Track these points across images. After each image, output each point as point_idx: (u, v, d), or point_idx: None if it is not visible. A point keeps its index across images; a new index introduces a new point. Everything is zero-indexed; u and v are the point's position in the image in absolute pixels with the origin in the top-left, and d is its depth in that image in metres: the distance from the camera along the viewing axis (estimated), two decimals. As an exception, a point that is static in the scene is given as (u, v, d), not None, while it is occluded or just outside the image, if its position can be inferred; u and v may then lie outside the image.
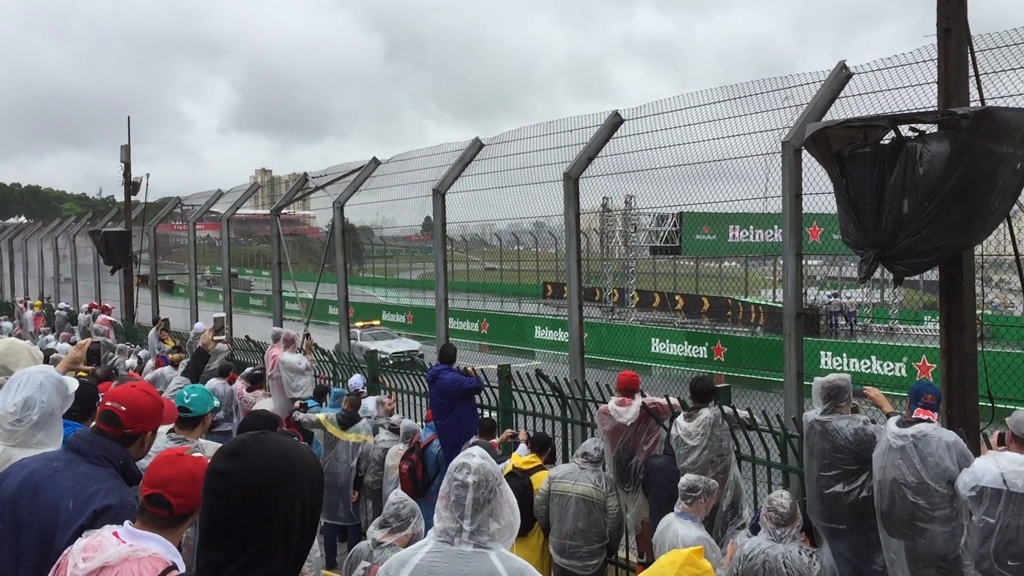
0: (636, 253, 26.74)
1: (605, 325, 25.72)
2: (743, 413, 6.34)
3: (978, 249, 5.71)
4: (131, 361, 12.90)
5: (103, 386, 5.73)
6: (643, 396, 6.69)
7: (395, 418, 8.43)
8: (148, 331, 15.28)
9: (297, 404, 8.80)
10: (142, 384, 3.43)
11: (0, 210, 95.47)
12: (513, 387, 8.65)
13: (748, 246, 18.41)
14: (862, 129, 5.33)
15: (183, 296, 24.90)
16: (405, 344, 24.93)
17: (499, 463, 5.54)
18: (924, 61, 6.23)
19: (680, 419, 6.17)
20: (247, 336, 13.83)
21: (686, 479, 5.24)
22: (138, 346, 15.31)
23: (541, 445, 6.82)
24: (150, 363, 12.14)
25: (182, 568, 2.24)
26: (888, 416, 5.10)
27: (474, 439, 7.18)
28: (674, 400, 6.61)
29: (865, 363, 19.31)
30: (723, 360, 21.29)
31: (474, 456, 2.72)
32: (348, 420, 7.94)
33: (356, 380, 9.04)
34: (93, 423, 3.09)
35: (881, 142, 5.19)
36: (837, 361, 19.59)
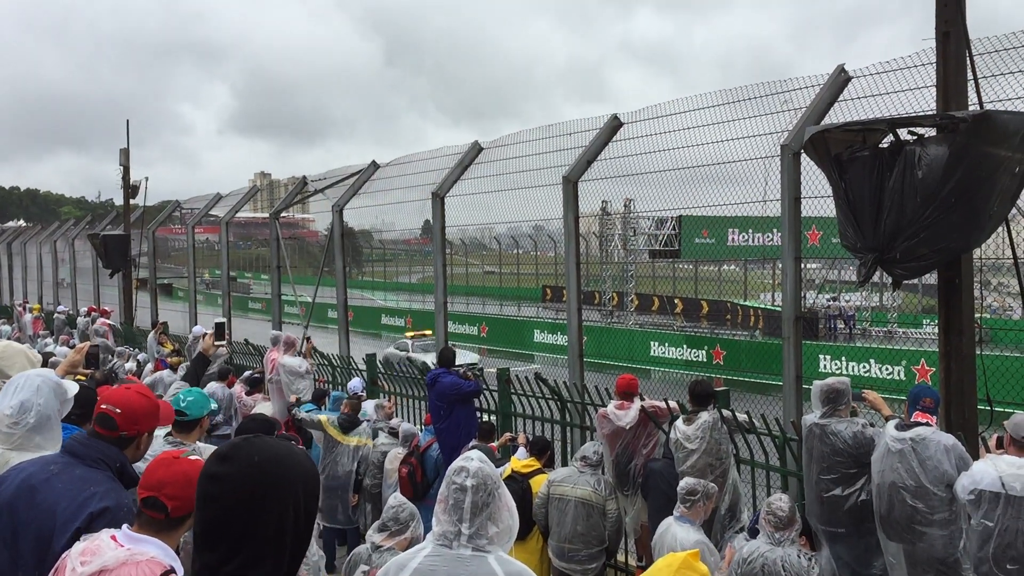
0: (635, 256, 26.76)
1: (604, 328, 25.71)
2: (742, 417, 6.34)
3: (977, 252, 5.72)
4: (130, 365, 12.90)
5: (102, 390, 5.72)
6: (642, 399, 6.69)
7: (394, 422, 8.42)
8: (147, 335, 15.28)
9: (293, 399, 8.78)
10: (137, 386, 3.42)
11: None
12: (512, 391, 8.64)
13: (747, 250, 18.44)
14: (861, 133, 5.33)
15: (182, 300, 24.87)
16: (462, 356, 22.33)
17: (498, 467, 5.54)
18: (923, 65, 6.24)
19: (679, 423, 6.17)
20: (246, 340, 13.83)
21: (685, 483, 5.24)
22: (137, 350, 15.30)
23: (540, 448, 6.81)
24: (149, 367, 12.14)
25: (180, 572, 2.24)
26: (887, 419, 5.11)
27: (473, 442, 7.17)
28: (673, 404, 6.61)
29: (864, 366, 19.31)
30: (722, 364, 21.29)
31: (472, 460, 2.72)
32: (349, 423, 7.94)
33: (355, 383, 9.03)
34: (90, 426, 3.09)
35: (880, 146, 5.19)
36: (836, 364, 19.59)
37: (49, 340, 16.93)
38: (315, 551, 4.65)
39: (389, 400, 9.65)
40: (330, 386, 11.14)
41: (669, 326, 28.74)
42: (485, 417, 8.46)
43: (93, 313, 17.83)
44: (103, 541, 2.18)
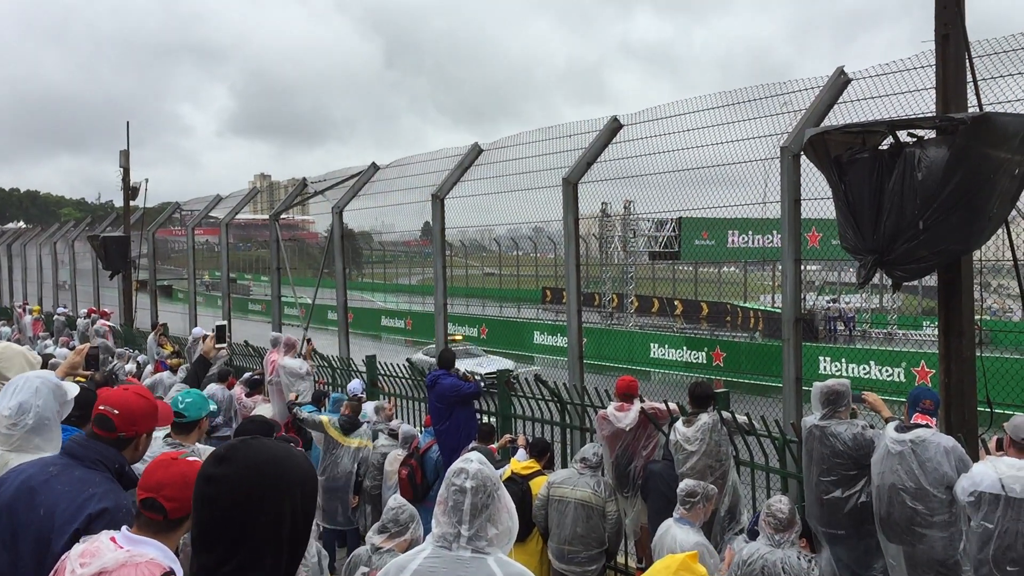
0: (635, 258, 26.73)
1: (604, 330, 25.71)
2: (742, 418, 6.34)
3: (976, 254, 5.72)
4: (130, 366, 12.90)
5: (101, 391, 5.72)
6: (642, 401, 6.69)
7: (394, 423, 8.42)
8: (147, 336, 15.28)
9: (292, 396, 8.77)
10: (135, 387, 3.42)
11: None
12: (512, 392, 8.64)
13: (747, 251, 18.42)
14: (860, 134, 5.34)
15: (182, 301, 24.89)
16: (494, 363, 20.77)
17: (498, 468, 5.55)
18: (922, 67, 6.25)
19: (679, 424, 6.17)
20: (246, 341, 13.83)
21: (685, 484, 5.24)
22: (137, 351, 15.30)
23: (540, 450, 6.81)
24: (149, 368, 12.14)
25: (179, 573, 2.23)
26: (887, 421, 5.11)
27: (473, 444, 7.17)
28: (673, 405, 6.62)
29: (864, 368, 19.31)
30: (722, 365, 21.29)
31: (472, 461, 2.72)
32: (350, 425, 7.93)
33: (355, 385, 9.02)
34: (89, 427, 3.08)
35: (880, 147, 5.20)
36: (836, 366, 19.59)
37: (49, 342, 16.92)
38: (314, 552, 4.66)
39: (389, 402, 9.65)
40: (330, 388, 11.13)
41: (669, 328, 28.74)
42: (485, 419, 8.45)
43: (93, 315, 17.83)
44: (102, 543, 2.18)
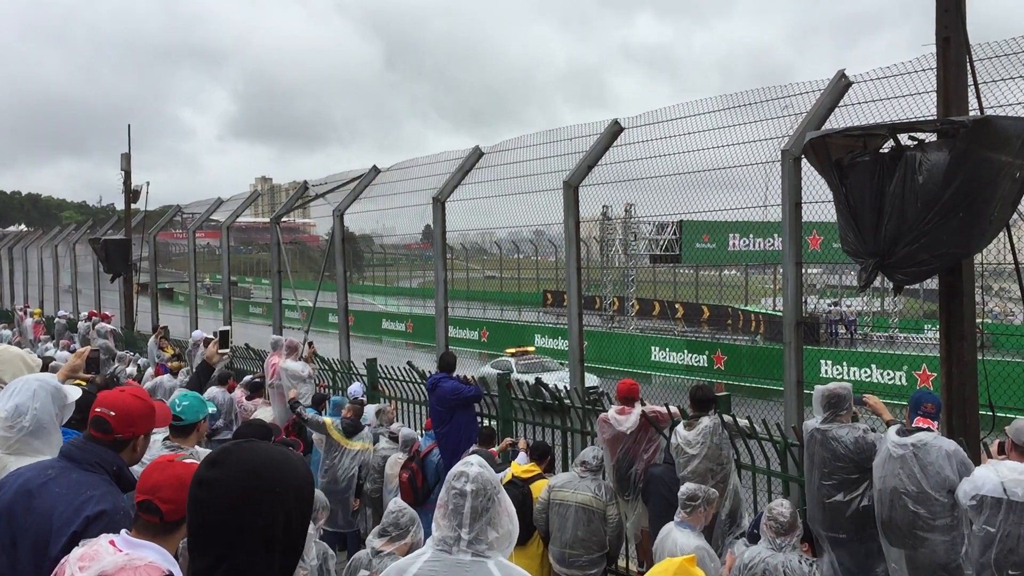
0: (636, 261, 26.74)
1: (605, 333, 25.69)
2: (743, 422, 6.34)
3: (978, 258, 5.71)
4: (131, 369, 12.90)
5: (100, 394, 5.71)
6: (643, 404, 6.68)
7: (394, 426, 8.41)
8: (148, 339, 15.29)
9: (292, 394, 8.76)
10: (132, 388, 3.41)
11: (0, 218, 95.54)
12: (512, 395, 8.64)
13: (748, 255, 18.40)
14: (861, 138, 5.33)
15: (183, 304, 24.88)
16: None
17: (498, 472, 5.53)
18: (923, 70, 6.25)
19: (680, 428, 6.17)
20: (247, 344, 13.82)
21: (686, 488, 5.23)
22: (137, 354, 15.30)
23: (540, 454, 6.81)
24: (149, 371, 12.14)
25: (179, 576, 2.23)
26: (888, 424, 5.10)
27: (473, 447, 7.16)
28: (674, 409, 6.61)
29: (865, 372, 19.30)
30: (723, 369, 21.28)
31: (472, 464, 2.71)
32: (353, 428, 7.93)
33: (356, 388, 9.02)
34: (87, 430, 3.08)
35: (880, 151, 5.19)
36: (837, 370, 19.58)
37: (50, 345, 16.93)
38: (314, 555, 4.65)
39: (391, 405, 9.64)
40: (330, 391, 11.12)
41: (670, 331, 28.72)
42: (486, 422, 8.45)
43: (94, 317, 17.84)
44: (102, 546, 2.17)
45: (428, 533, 2.78)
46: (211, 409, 4.92)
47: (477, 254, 42.24)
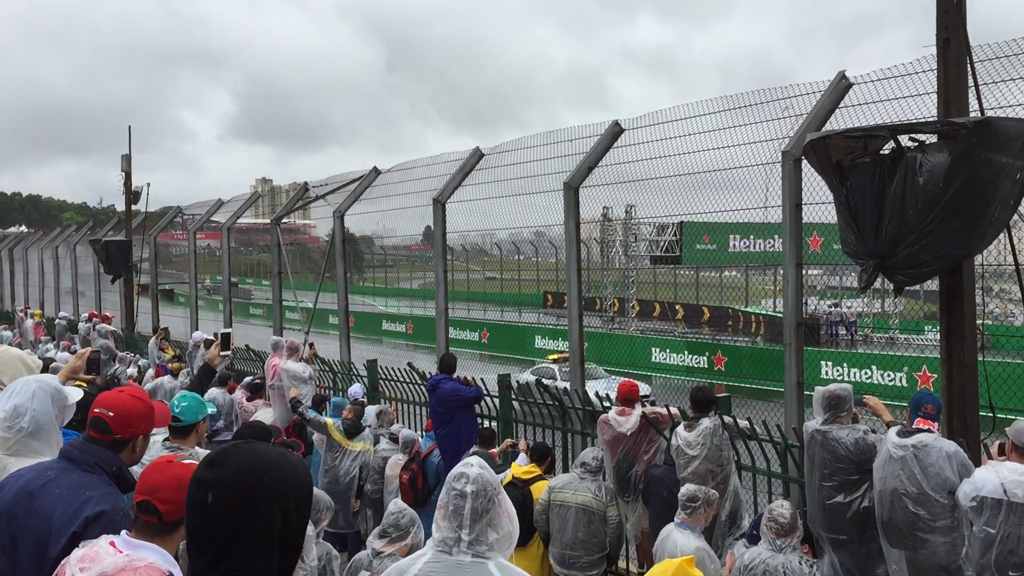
0: (636, 263, 26.73)
1: (605, 335, 25.67)
2: (743, 423, 6.33)
3: (978, 259, 5.71)
4: (131, 371, 12.90)
5: (99, 394, 5.70)
6: (643, 406, 6.68)
7: (394, 427, 8.41)
8: (148, 340, 15.29)
9: (293, 392, 8.75)
10: (130, 389, 3.41)
11: (1, 219, 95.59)
12: (513, 397, 8.63)
13: (748, 256, 18.39)
14: (862, 139, 5.33)
15: (183, 305, 24.88)
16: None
17: (499, 473, 5.54)
18: (924, 71, 6.25)
19: (680, 429, 6.17)
20: (247, 345, 13.82)
21: (686, 489, 5.23)
22: (138, 355, 15.30)
23: (541, 455, 6.80)
24: (150, 372, 12.14)
25: (179, 577, 2.23)
26: (888, 425, 5.10)
27: (474, 449, 7.16)
28: (674, 410, 6.61)
29: (866, 373, 19.29)
30: (723, 370, 21.28)
31: (472, 466, 2.71)
32: (354, 429, 7.93)
33: (356, 389, 9.02)
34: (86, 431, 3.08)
35: (881, 152, 5.19)
36: (838, 371, 19.58)
37: (50, 346, 16.93)
38: (314, 556, 4.65)
39: (391, 406, 9.64)
40: (331, 392, 11.13)
41: (670, 332, 28.71)
42: (486, 423, 8.44)
43: (95, 319, 17.84)
44: (102, 547, 2.17)
45: (428, 534, 2.78)
46: (211, 410, 4.92)
47: (477, 255, 42.21)
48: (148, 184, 22.15)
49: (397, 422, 9.09)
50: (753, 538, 5.01)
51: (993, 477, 4.35)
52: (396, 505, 4.89)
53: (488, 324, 31.53)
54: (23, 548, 2.69)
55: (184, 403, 4.60)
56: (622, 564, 6.91)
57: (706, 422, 6.01)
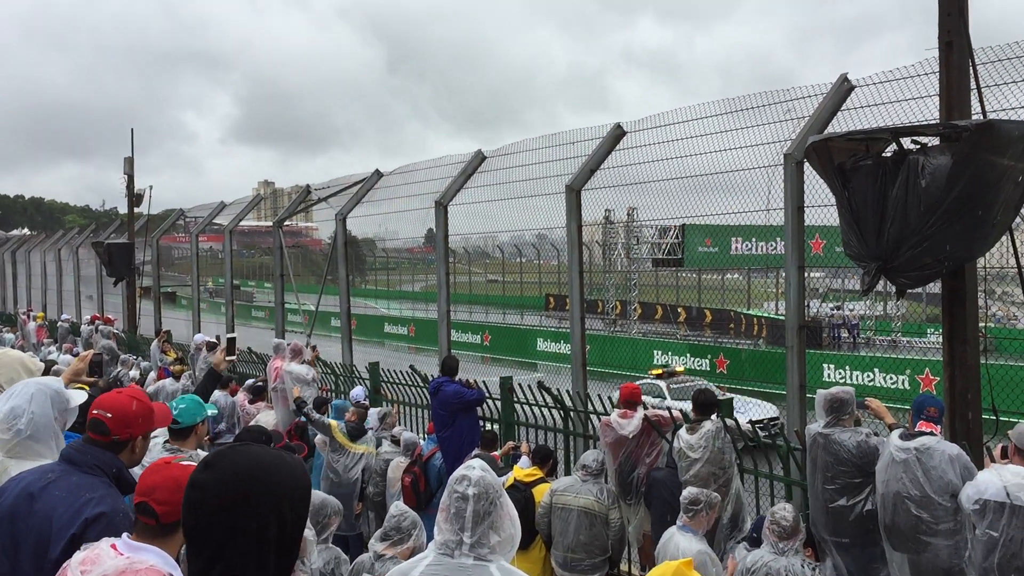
0: (638, 265, 26.73)
1: (607, 337, 25.68)
2: (745, 426, 6.33)
3: (981, 262, 5.70)
4: (134, 373, 12.90)
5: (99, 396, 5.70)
6: (645, 408, 6.68)
7: (396, 430, 8.41)
8: (150, 343, 15.30)
9: (296, 392, 8.74)
10: (129, 390, 3.42)
11: (3, 222, 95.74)
12: (515, 399, 8.63)
13: (750, 258, 18.40)
14: (864, 141, 5.33)
15: (185, 308, 24.90)
16: (755, 408, 14.87)
17: (500, 476, 5.53)
18: (926, 74, 6.25)
19: (682, 431, 6.16)
20: (249, 348, 13.83)
21: (688, 492, 5.23)
22: (140, 358, 15.31)
23: (542, 457, 6.80)
24: (152, 375, 12.14)
25: (180, 579, 2.23)
26: (890, 428, 5.09)
27: (476, 451, 7.16)
28: (676, 412, 6.60)
29: (868, 375, 19.27)
30: (726, 372, 21.26)
31: (474, 468, 2.71)
32: (357, 432, 7.93)
33: (358, 392, 9.02)
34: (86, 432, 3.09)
35: (883, 154, 5.19)
36: (840, 374, 19.56)
37: (53, 348, 16.95)
38: (315, 558, 4.64)
39: (394, 408, 9.64)
40: (332, 394, 11.13)
41: (672, 335, 28.71)
42: (488, 426, 8.44)
43: (97, 321, 17.86)
44: (103, 550, 2.17)
45: (431, 537, 2.78)
46: (211, 411, 4.92)
47: (479, 258, 42.21)
48: (151, 187, 22.15)
49: (399, 425, 9.09)
50: (754, 541, 5.01)
51: (996, 480, 4.34)
52: (397, 508, 4.89)
53: (490, 327, 31.53)
54: (24, 550, 2.69)
55: (182, 405, 4.61)
56: (624, 567, 6.91)
57: (708, 425, 6.01)
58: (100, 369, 8.28)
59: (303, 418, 8.37)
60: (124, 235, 22.13)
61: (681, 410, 6.62)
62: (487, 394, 8.41)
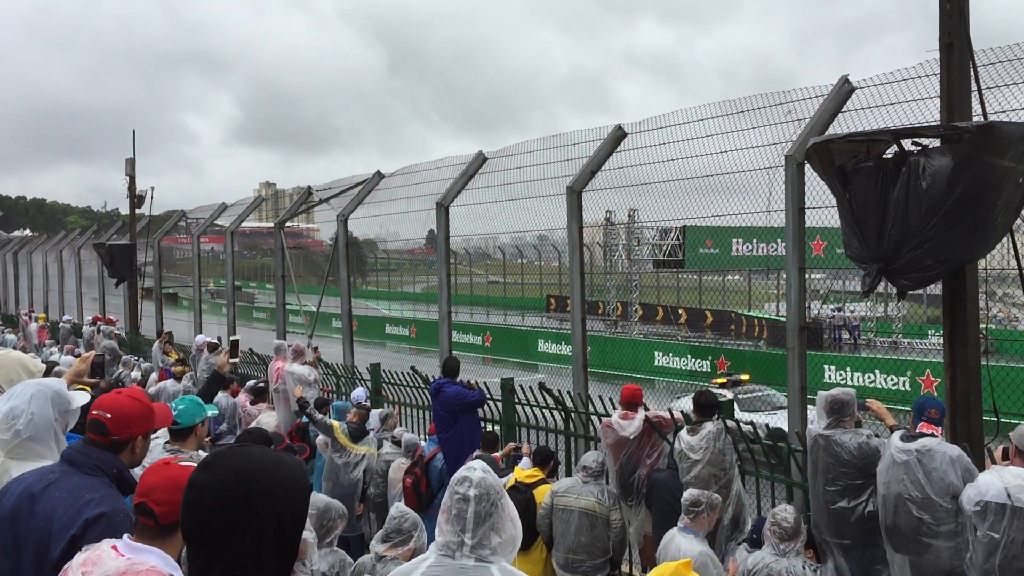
0: (639, 266, 26.71)
1: (608, 338, 25.68)
2: (746, 427, 6.33)
3: (982, 263, 5.70)
4: (135, 374, 12.90)
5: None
6: (646, 409, 6.68)
7: (397, 431, 8.42)
8: (152, 344, 15.31)
9: (298, 391, 8.74)
10: (128, 389, 3.42)
11: (5, 223, 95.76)
12: (516, 400, 8.63)
13: (751, 260, 18.42)
14: (865, 143, 5.33)
15: (187, 309, 24.94)
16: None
17: (502, 477, 5.54)
18: (927, 75, 6.25)
19: (683, 433, 6.16)
20: (251, 349, 13.83)
21: (689, 494, 5.23)
22: (141, 359, 15.31)
23: (543, 459, 6.80)
24: (153, 376, 12.14)
25: (181, 581, 2.23)
26: (891, 429, 5.09)
27: (477, 452, 7.16)
28: (677, 414, 6.60)
29: (869, 377, 19.26)
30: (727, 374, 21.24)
31: (475, 469, 2.71)
32: (359, 433, 7.94)
33: (359, 393, 9.03)
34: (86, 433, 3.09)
35: (884, 156, 5.19)
36: (841, 375, 19.54)
37: (54, 349, 16.96)
38: (316, 559, 4.65)
39: (395, 410, 9.64)
40: (334, 395, 11.14)
41: (673, 336, 28.71)
42: (489, 427, 8.44)
43: (98, 322, 17.87)
44: (104, 551, 2.18)
45: (432, 538, 2.78)
46: (211, 412, 4.92)
47: (480, 259, 42.25)
48: (152, 188, 22.17)
49: (400, 426, 9.09)
50: (754, 542, 5.01)
51: (997, 482, 4.34)
52: (398, 509, 4.89)
53: (491, 328, 31.54)
54: (25, 551, 2.70)
55: (181, 406, 4.62)
56: (625, 568, 6.91)
57: (709, 426, 6.01)
58: (102, 370, 8.27)
59: (306, 418, 8.37)
60: (126, 236, 22.16)
61: (682, 411, 6.63)
62: (488, 395, 8.41)
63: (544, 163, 9.92)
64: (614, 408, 6.89)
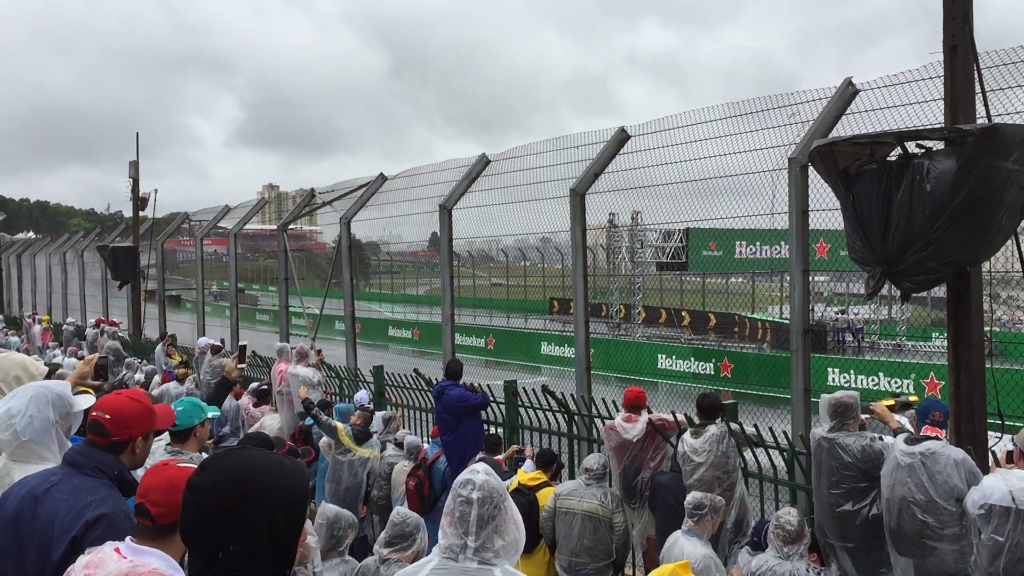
0: (642, 269, 26.68)
1: (611, 341, 25.65)
2: (750, 430, 6.32)
3: (986, 266, 5.69)
4: (138, 376, 12.92)
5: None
6: (649, 412, 6.67)
7: (399, 433, 8.41)
8: (155, 346, 15.33)
9: (303, 391, 8.74)
10: (128, 391, 3.42)
11: (9, 226, 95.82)
12: (519, 403, 8.63)
13: (755, 262, 18.38)
14: (868, 146, 5.32)
15: (190, 311, 24.94)
16: None
17: (504, 479, 5.53)
18: (930, 78, 6.24)
19: (687, 436, 6.15)
20: (254, 351, 13.84)
21: (692, 497, 5.22)
22: (144, 361, 15.33)
23: (547, 461, 6.79)
24: (156, 378, 12.15)
25: (183, 582, 2.23)
26: (894, 432, 5.09)
27: (480, 455, 7.16)
28: (681, 416, 6.60)
29: (873, 380, 19.21)
30: (730, 376, 21.21)
31: (478, 472, 2.71)
32: (362, 435, 7.94)
33: (362, 395, 9.02)
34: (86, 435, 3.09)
35: (888, 159, 5.19)
36: (844, 378, 19.50)
37: (58, 351, 16.98)
38: (318, 563, 4.65)
39: (398, 412, 9.64)
40: (336, 398, 11.14)
41: (676, 339, 28.69)
42: (492, 429, 8.44)
43: (102, 324, 17.89)
44: (106, 553, 2.18)
45: (435, 541, 2.78)
46: (211, 413, 4.92)
47: (483, 261, 42.23)
48: (155, 190, 22.19)
49: (403, 428, 9.09)
50: (756, 545, 5.00)
51: (1001, 485, 4.33)
52: (400, 513, 4.89)
53: (494, 330, 31.52)
54: (28, 553, 2.70)
55: (180, 407, 4.62)
56: (628, 571, 6.90)
57: (712, 429, 6.00)
58: (105, 373, 8.26)
59: (311, 420, 8.37)
60: (129, 239, 22.19)
61: (685, 414, 6.62)
62: (491, 398, 8.41)
63: (547, 165, 9.92)
64: (617, 411, 6.89)
